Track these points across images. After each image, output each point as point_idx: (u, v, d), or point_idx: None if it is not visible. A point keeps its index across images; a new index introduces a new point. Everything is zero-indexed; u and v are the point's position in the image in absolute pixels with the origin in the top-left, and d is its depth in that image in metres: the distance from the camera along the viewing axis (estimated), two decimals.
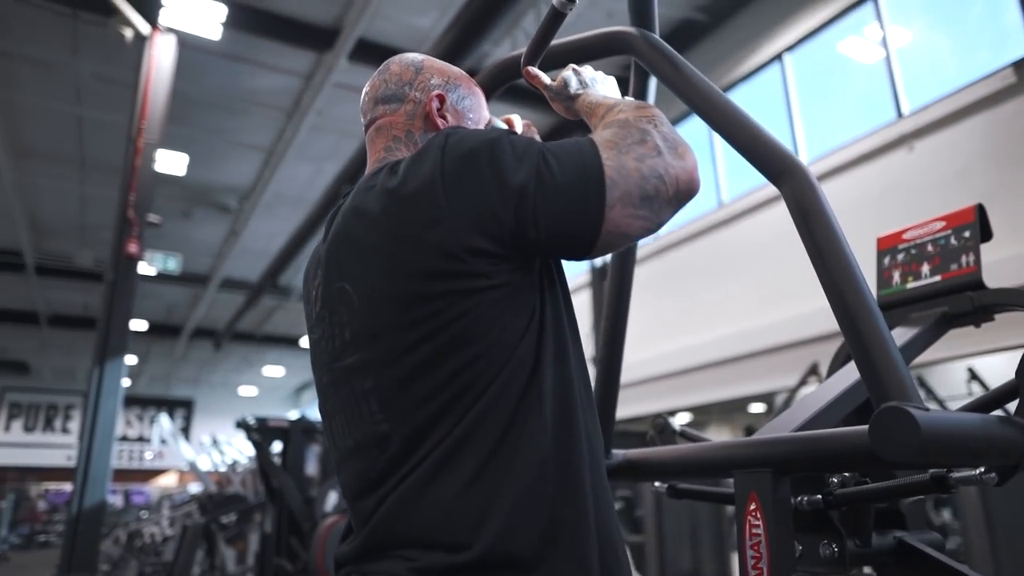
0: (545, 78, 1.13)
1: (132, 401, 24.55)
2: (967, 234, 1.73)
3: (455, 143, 0.81)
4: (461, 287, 0.76)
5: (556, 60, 1.36)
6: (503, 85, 1.40)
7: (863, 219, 6.36)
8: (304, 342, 19.43)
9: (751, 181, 7.83)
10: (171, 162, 9.34)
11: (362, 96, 1.10)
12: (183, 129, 9.49)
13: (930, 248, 1.80)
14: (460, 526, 0.71)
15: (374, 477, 0.78)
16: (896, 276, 1.84)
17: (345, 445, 0.84)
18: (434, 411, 0.75)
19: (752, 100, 8.08)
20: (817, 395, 1.41)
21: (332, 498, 4.49)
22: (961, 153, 5.76)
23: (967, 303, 1.65)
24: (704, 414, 10.56)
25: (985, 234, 1.73)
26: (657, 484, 1.67)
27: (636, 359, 8.39)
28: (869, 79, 6.91)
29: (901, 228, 1.88)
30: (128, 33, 7.39)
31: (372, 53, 8.08)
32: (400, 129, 1.01)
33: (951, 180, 5.78)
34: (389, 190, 0.81)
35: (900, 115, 6.33)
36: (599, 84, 1.08)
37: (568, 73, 1.09)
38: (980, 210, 1.74)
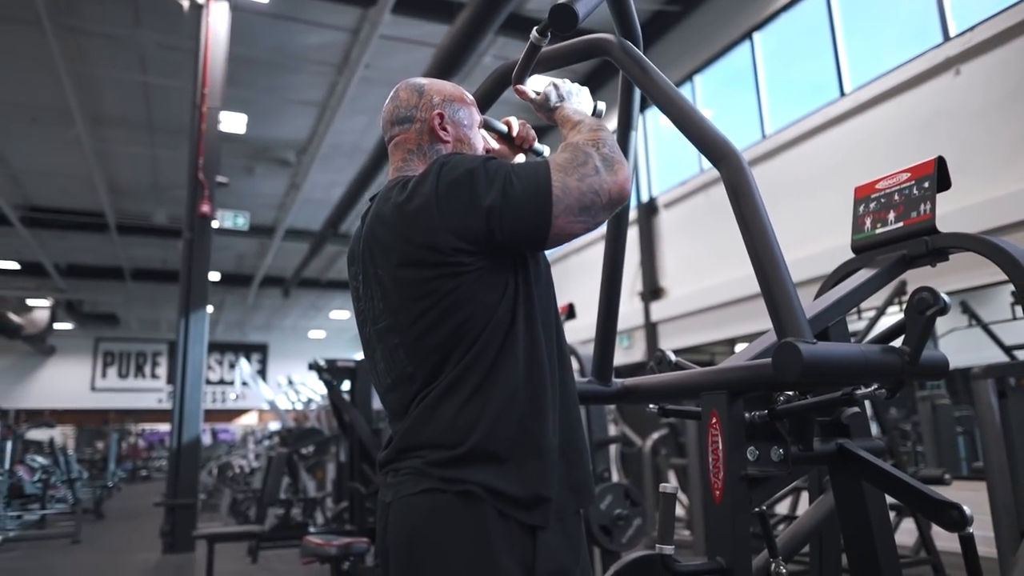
0: (531, 93, 1.41)
1: (211, 347, 25.90)
2: (926, 185, 1.95)
3: (447, 171, 1.11)
4: (450, 271, 1.09)
5: (548, 64, 1.66)
6: (498, 94, 1.72)
7: (908, 146, 6.35)
8: None
9: (795, 112, 7.80)
10: (232, 122, 9.82)
11: (382, 116, 1.41)
12: (241, 90, 9.93)
13: (896, 197, 2.03)
14: (457, 432, 1.07)
15: (406, 403, 1.17)
16: (868, 223, 2.08)
17: (386, 383, 1.20)
18: (441, 357, 1.11)
19: (796, 27, 7.95)
20: (771, 333, 1.70)
21: None
22: (1009, 76, 5.66)
23: (922, 246, 1.90)
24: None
25: (943, 184, 1.94)
26: (651, 406, 2.01)
27: (682, 293, 8.62)
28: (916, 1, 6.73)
29: (875, 179, 2.11)
30: (185, 2, 7.77)
31: (414, 5, 8.26)
32: (413, 143, 1.31)
33: (998, 105, 5.70)
34: (399, 204, 1.14)
35: (947, 37, 6.20)
36: (574, 97, 1.35)
37: (549, 88, 1.35)
38: (940, 162, 1.96)
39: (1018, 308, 6.06)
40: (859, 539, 1.70)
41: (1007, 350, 6.05)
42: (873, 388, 1.33)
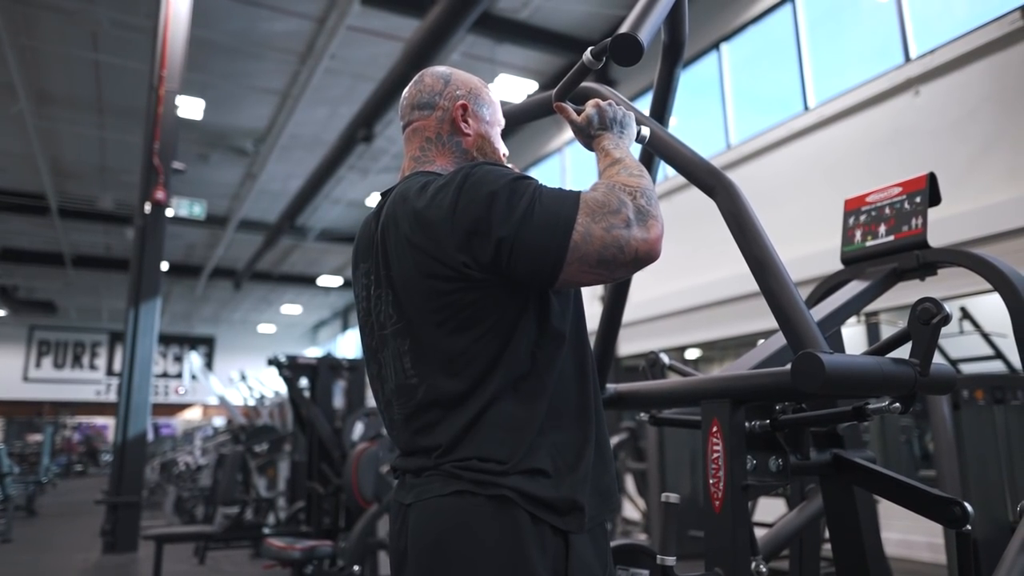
0: (572, 114, 1.29)
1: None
2: (918, 199, 1.99)
3: (469, 188, 1.03)
4: (466, 285, 1.03)
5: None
6: (537, 116, 1.67)
7: (868, 164, 6.52)
8: (320, 281, 19.86)
9: (759, 124, 7.94)
10: (188, 107, 9.51)
11: (401, 102, 1.34)
12: (199, 75, 9.63)
13: (887, 211, 2.05)
14: (496, 451, 1.02)
15: (413, 409, 1.10)
16: (858, 235, 2.10)
17: (390, 387, 1.14)
18: (457, 368, 1.05)
19: (763, 39, 8.11)
20: (772, 341, 1.70)
21: (359, 428, 4.89)
22: (968, 98, 5.86)
23: (913, 260, 1.92)
24: (718, 349, 10.91)
25: (934, 199, 1.98)
26: (642, 415, 1.99)
27: (651, 296, 8.69)
28: (880, 19, 6.93)
29: (866, 192, 2.14)
30: None
31: None
32: (432, 131, 1.25)
33: (957, 125, 5.89)
34: (417, 211, 1.07)
35: (908, 59, 6.39)
36: (616, 127, 1.23)
37: (591, 111, 1.23)
38: (931, 178, 1.99)
39: (965, 323, 6.30)
40: (849, 547, 1.70)
41: (952, 363, 6.27)
42: (887, 403, 1.33)
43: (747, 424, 1.56)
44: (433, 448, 1.06)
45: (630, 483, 7.40)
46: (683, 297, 8.30)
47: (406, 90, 1.32)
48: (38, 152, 11.56)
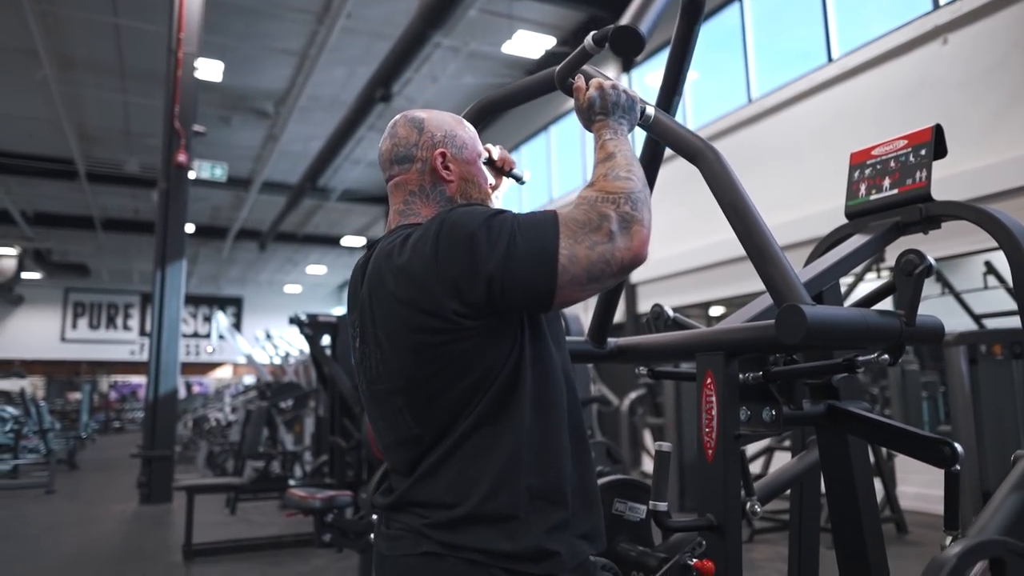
0: (578, 92, 1.24)
1: (185, 300, 25.55)
2: (923, 152, 1.97)
3: (447, 232, 1.04)
4: (456, 336, 1.04)
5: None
6: (540, 94, 1.69)
7: (892, 116, 6.38)
8: (344, 241, 20.04)
9: (781, 77, 7.77)
10: (208, 69, 9.54)
11: (379, 155, 1.32)
12: (217, 37, 9.62)
13: (892, 164, 2.04)
14: (457, 493, 1.04)
15: (413, 461, 1.11)
16: (863, 189, 2.09)
17: (388, 440, 1.16)
18: (448, 419, 1.07)
19: None
20: (768, 296, 1.72)
21: None
22: (997, 46, 5.67)
23: (916, 213, 1.91)
24: (736, 306, 10.88)
25: (940, 152, 1.96)
26: (641, 369, 2.03)
27: (674, 252, 8.66)
28: None
29: (871, 145, 2.12)
30: None
31: None
32: (414, 184, 1.23)
33: (985, 74, 5.72)
34: (400, 267, 1.07)
35: (936, 5, 6.19)
36: (617, 112, 1.20)
37: (594, 94, 1.20)
38: (937, 130, 1.97)
39: (990, 278, 6.20)
40: (842, 496, 1.75)
41: (976, 318, 6.21)
42: (876, 355, 1.35)
43: (741, 376, 1.60)
44: (411, 501, 1.10)
45: (648, 438, 7.49)
46: (705, 253, 8.25)
47: (382, 142, 1.30)
48: (64, 117, 11.70)
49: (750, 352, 1.55)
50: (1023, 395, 4.28)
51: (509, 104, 2.00)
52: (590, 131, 1.22)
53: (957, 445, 1.40)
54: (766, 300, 1.74)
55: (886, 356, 1.38)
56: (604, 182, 1.08)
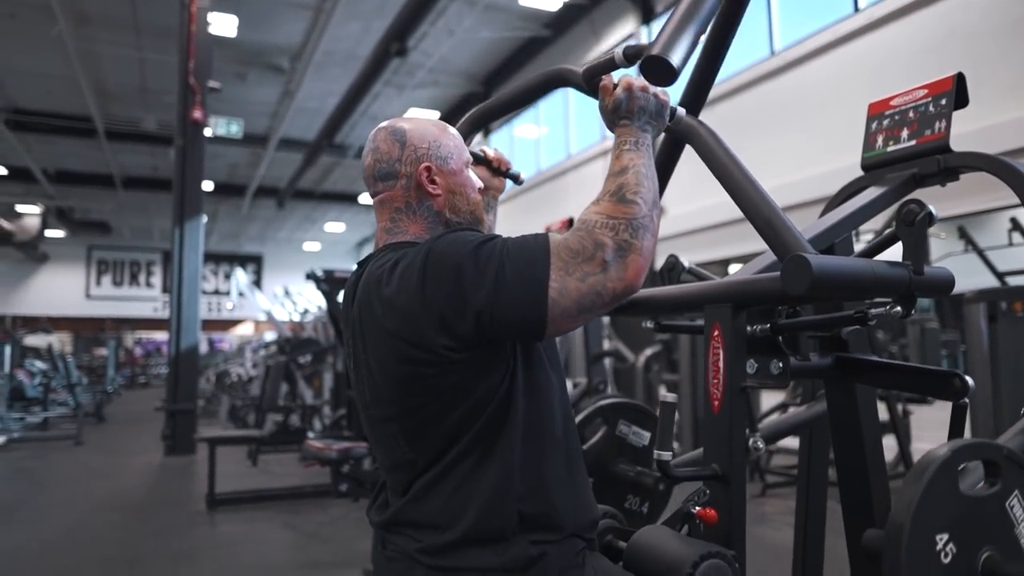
0: (603, 92, 1.17)
1: (206, 258, 25.83)
2: (943, 102, 1.91)
3: (432, 265, 1.02)
4: (445, 368, 1.03)
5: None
6: (544, 94, 1.67)
7: (920, 66, 6.19)
8: (362, 199, 20.05)
9: (805, 28, 7.55)
10: (221, 24, 9.44)
11: (362, 170, 1.24)
12: None
13: (911, 114, 1.98)
14: (448, 515, 1.05)
15: (408, 483, 1.12)
16: (880, 140, 2.04)
17: (386, 463, 1.17)
18: (442, 445, 1.08)
19: None
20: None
21: None
22: None
23: (934, 165, 1.87)
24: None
25: (961, 101, 1.90)
26: (648, 322, 2.03)
27: (693, 208, 8.58)
28: None
29: (890, 95, 2.06)
30: None
31: None
32: (400, 201, 1.20)
33: (1013, 25, 5.52)
34: (387, 299, 1.06)
35: None
36: (643, 117, 1.14)
37: (621, 95, 1.13)
38: (959, 79, 1.91)
39: (1015, 235, 6.09)
40: (849, 449, 1.75)
41: (999, 276, 6.11)
42: (887, 307, 1.34)
43: (749, 328, 1.59)
44: (405, 520, 1.12)
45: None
46: (726, 209, 8.14)
47: (364, 156, 1.26)
48: (80, 74, 11.69)
49: (758, 304, 1.54)
50: None
51: (504, 111, 1.97)
52: (612, 131, 1.16)
53: (968, 378, 1.39)
54: (773, 255, 1.72)
55: (898, 308, 1.36)
56: (608, 203, 1.04)
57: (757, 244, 1.38)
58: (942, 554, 1.08)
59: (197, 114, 7.55)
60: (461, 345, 1.02)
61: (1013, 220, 6.03)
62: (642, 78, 1.16)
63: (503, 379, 1.08)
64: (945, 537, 1.08)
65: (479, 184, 1.29)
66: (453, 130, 1.28)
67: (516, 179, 1.59)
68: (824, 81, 7.18)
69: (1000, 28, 5.63)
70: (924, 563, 1.05)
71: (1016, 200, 1.76)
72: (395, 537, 1.13)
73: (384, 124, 1.25)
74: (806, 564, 2.23)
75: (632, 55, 1.18)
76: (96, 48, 11.34)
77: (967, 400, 1.41)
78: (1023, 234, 5.99)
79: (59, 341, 20.98)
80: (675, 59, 1.10)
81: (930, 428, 5.96)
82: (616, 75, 1.18)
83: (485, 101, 1.80)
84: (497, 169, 1.51)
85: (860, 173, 2.04)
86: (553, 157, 12.89)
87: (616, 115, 1.14)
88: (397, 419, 1.11)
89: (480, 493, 1.05)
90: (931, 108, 1.94)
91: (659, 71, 1.10)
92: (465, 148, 1.28)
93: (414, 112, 14.16)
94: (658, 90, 1.16)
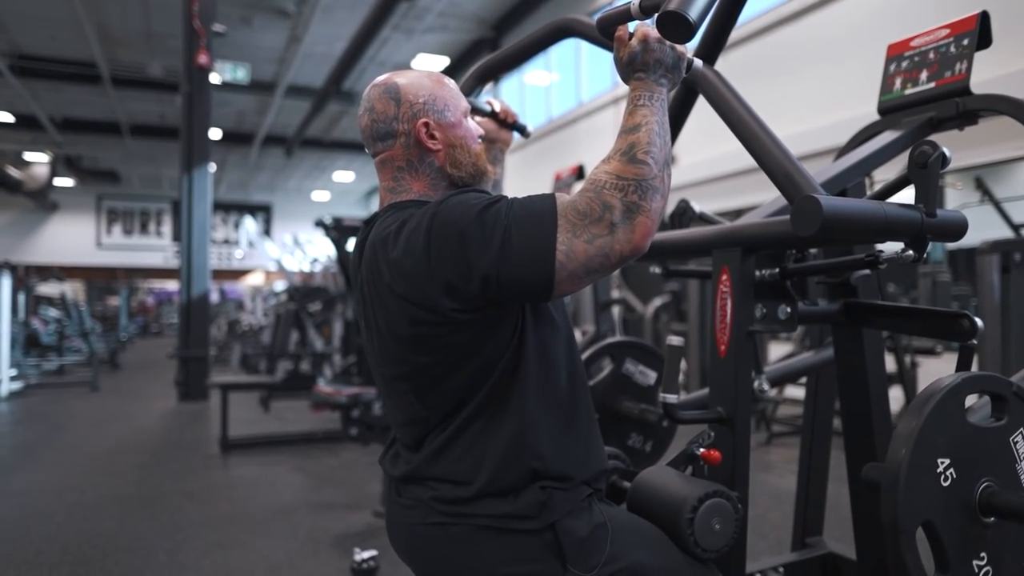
0: (619, 43, 1.13)
1: (215, 206, 25.77)
2: (965, 42, 1.85)
3: (438, 228, 1.01)
4: (454, 327, 1.05)
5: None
6: (549, 45, 1.63)
7: (941, 9, 5.99)
8: None
9: None
10: None
11: (360, 130, 1.24)
12: None
13: (931, 56, 1.93)
14: (462, 474, 1.09)
15: (420, 438, 1.15)
16: (898, 83, 1.99)
17: (398, 419, 1.19)
18: (454, 402, 1.10)
19: None
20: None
21: None
22: None
23: (952, 108, 1.82)
24: None
25: (984, 41, 1.84)
26: (655, 268, 2.03)
27: (694, 160, 8.47)
28: None
29: (911, 35, 2.00)
30: None
31: None
32: (401, 160, 1.19)
33: None
34: (394, 261, 1.06)
35: None
36: (659, 69, 1.11)
37: (636, 47, 1.10)
38: (983, 17, 1.84)
39: None
40: (855, 396, 1.75)
41: (1015, 227, 6.02)
42: (901, 250, 1.31)
43: (757, 273, 1.58)
44: (421, 475, 1.15)
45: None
46: (737, 159, 8.03)
47: (359, 116, 1.23)
48: (83, 18, 11.50)
49: (767, 247, 1.53)
50: None
51: (513, 62, 1.92)
52: (627, 84, 1.13)
53: (977, 319, 1.38)
54: (783, 199, 1.70)
55: (910, 252, 1.33)
56: (618, 162, 1.02)
57: (769, 193, 1.36)
58: (942, 477, 1.09)
59: (203, 59, 7.45)
60: (468, 307, 1.03)
61: None
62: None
63: (512, 337, 1.10)
64: (947, 462, 1.09)
65: (480, 132, 1.27)
66: (449, 80, 1.25)
67: (523, 131, 1.58)
68: (841, 26, 6.97)
69: None
70: (923, 482, 1.07)
71: None
72: (411, 487, 1.16)
73: (377, 81, 1.23)
74: (808, 505, 2.27)
75: (648, 7, 1.13)
76: None
77: (975, 342, 1.41)
78: None
79: (72, 290, 21.22)
80: (693, 14, 1.05)
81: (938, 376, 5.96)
82: (631, 25, 1.15)
83: (493, 52, 1.77)
84: (504, 121, 1.50)
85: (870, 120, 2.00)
86: (564, 105, 12.68)
87: (631, 67, 1.11)
88: (408, 378, 1.13)
89: (493, 452, 1.09)
90: (952, 49, 1.89)
91: (676, 27, 1.06)
92: (462, 97, 1.25)
93: (423, 58, 13.91)
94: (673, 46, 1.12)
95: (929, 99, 1.88)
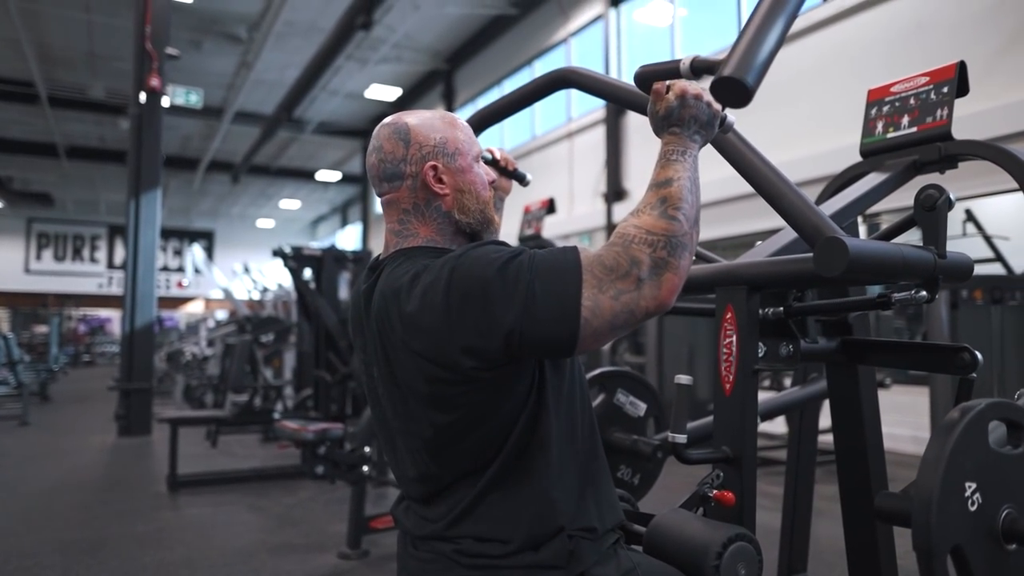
0: (655, 97, 1.12)
1: None
2: (945, 89, 1.93)
3: (458, 282, 0.98)
4: (473, 386, 1.01)
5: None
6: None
7: (889, 57, 6.31)
8: (319, 176, 19.65)
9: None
10: None
11: (367, 168, 1.21)
12: None
13: (912, 101, 2.00)
14: (490, 532, 1.05)
15: (431, 494, 1.11)
16: (879, 126, 2.06)
17: (408, 473, 1.15)
18: (469, 460, 1.07)
19: None
20: (781, 235, 1.70)
21: None
22: None
23: (935, 152, 1.89)
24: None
25: (962, 89, 1.93)
26: None
27: (703, 180, 8.59)
28: None
29: (890, 82, 2.08)
30: None
31: None
32: (407, 202, 1.15)
33: (981, 17, 5.65)
34: (409, 316, 1.02)
35: None
36: (693, 126, 1.09)
37: (674, 102, 1.08)
38: (961, 67, 1.93)
39: (968, 225, 6.28)
40: (851, 430, 1.77)
41: (1008, 265, 6.28)
42: (912, 290, 1.34)
43: (760, 311, 1.59)
44: (441, 535, 1.10)
45: None
46: (719, 187, 8.19)
47: (368, 155, 1.21)
48: (23, 37, 11.12)
49: (778, 286, 1.54)
50: (1000, 339, 4.40)
51: (507, 113, 1.91)
52: (659, 137, 1.12)
53: (976, 352, 1.41)
54: (786, 236, 1.72)
55: (923, 292, 1.36)
56: (648, 216, 1.01)
57: (756, 222, 1.38)
58: (969, 501, 1.10)
59: (155, 82, 7.25)
60: (489, 365, 0.99)
61: (968, 212, 6.22)
62: (695, 84, 1.11)
63: (529, 392, 1.06)
64: (973, 486, 1.10)
65: (492, 178, 1.24)
66: (462, 122, 1.22)
67: (522, 180, 1.56)
68: (793, 68, 7.26)
69: (964, 21, 5.76)
70: (953, 505, 1.08)
71: (971, 191, 1.80)
72: (430, 542, 1.11)
73: (387, 121, 1.19)
74: (793, 540, 2.28)
75: (700, 68, 1.12)
76: (41, 8, 10.78)
77: (975, 376, 1.43)
78: (976, 225, 6.18)
79: None
80: (751, 80, 1.02)
81: (884, 412, 6.14)
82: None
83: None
84: (504, 169, 1.47)
85: (835, 159, 2.07)
86: (518, 138, 12.81)
87: (667, 122, 1.09)
88: (422, 435, 1.08)
89: (521, 515, 1.05)
90: (933, 95, 1.96)
91: (732, 93, 1.04)
92: (475, 142, 1.22)
93: (376, 88, 13.89)
94: (712, 98, 1.10)
95: (912, 143, 1.95)
